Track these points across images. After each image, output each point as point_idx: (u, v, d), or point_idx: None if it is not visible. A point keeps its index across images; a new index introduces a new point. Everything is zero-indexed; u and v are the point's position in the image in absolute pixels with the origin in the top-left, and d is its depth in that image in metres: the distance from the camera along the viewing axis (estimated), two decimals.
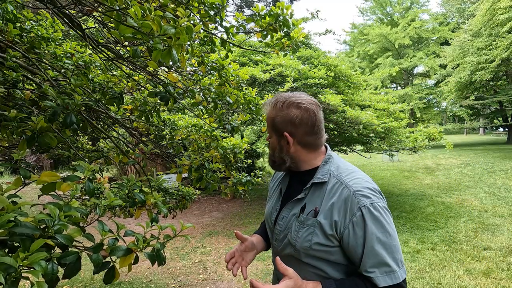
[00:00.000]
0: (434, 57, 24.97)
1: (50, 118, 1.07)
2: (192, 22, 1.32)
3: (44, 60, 1.68)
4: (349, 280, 0.88)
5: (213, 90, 1.42)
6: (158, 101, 1.60)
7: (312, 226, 0.92)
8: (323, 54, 7.62)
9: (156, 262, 0.87)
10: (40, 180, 0.99)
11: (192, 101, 1.46)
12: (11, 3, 1.48)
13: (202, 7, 1.39)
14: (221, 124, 1.60)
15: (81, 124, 1.16)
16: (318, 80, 5.66)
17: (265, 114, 1.04)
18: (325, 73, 5.84)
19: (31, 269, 0.55)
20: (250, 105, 1.66)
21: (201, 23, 1.26)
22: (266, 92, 6.54)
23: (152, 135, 1.96)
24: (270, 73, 5.67)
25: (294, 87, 5.70)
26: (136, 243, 0.84)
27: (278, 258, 0.89)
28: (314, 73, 5.76)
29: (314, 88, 6.07)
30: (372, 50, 27.38)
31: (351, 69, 8.34)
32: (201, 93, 1.47)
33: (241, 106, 1.69)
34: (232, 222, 6.09)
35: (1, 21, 1.50)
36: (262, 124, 2.01)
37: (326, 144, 1.08)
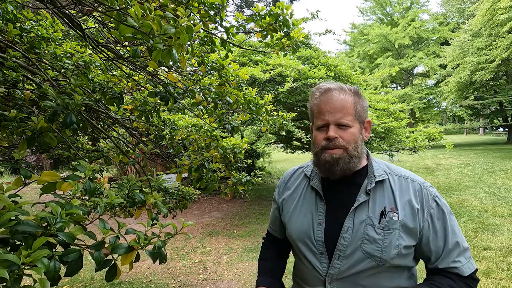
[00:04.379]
0: (434, 57, 25.02)
1: (50, 118, 1.07)
2: (192, 22, 1.33)
3: (44, 60, 1.68)
4: (442, 281, 0.83)
5: (213, 90, 1.43)
6: (158, 101, 1.61)
7: (397, 229, 0.82)
8: (323, 54, 7.63)
9: (158, 260, 0.88)
10: (40, 180, 0.99)
11: (192, 101, 1.47)
12: (11, 3, 1.48)
13: (202, 7, 1.39)
14: (221, 124, 1.61)
15: (81, 124, 1.17)
16: (318, 80, 5.67)
17: (337, 100, 0.86)
18: (325, 73, 5.84)
19: (34, 267, 0.55)
20: (250, 105, 1.66)
21: (201, 23, 1.26)
22: (266, 92, 6.54)
23: (152, 135, 1.96)
24: (270, 73, 5.68)
25: (294, 87, 5.71)
26: (137, 241, 0.84)
27: None
28: (314, 73, 5.77)
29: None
30: (372, 50, 27.41)
31: (351, 69, 8.36)
32: (201, 93, 1.47)
33: (241, 106, 1.69)
34: (232, 222, 6.09)
35: (1, 21, 1.50)
36: (262, 124, 2.02)
37: None
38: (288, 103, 6.36)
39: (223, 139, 2.03)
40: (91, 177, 0.98)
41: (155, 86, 1.39)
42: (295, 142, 8.91)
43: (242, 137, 2.03)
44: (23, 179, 1.01)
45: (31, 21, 1.69)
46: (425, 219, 0.83)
